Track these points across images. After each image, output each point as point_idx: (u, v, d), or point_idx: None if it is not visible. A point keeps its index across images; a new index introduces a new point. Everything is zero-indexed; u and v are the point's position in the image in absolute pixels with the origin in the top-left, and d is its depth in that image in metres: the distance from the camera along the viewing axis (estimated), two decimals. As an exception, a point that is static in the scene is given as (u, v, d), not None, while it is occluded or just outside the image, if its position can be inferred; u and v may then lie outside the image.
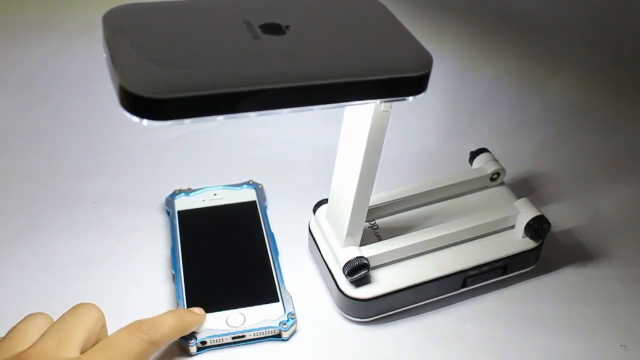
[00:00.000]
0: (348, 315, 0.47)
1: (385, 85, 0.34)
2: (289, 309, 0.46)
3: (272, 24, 0.34)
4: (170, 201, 0.55)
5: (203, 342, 0.45)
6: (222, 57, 0.32)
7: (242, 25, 0.34)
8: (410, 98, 0.35)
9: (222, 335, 0.45)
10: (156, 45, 0.32)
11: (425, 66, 0.34)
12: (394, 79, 0.34)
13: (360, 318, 0.47)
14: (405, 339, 0.47)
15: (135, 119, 0.30)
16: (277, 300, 0.47)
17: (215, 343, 0.45)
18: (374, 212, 0.50)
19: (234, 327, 0.45)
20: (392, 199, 0.51)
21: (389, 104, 0.38)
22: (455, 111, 0.69)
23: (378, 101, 0.37)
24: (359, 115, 0.40)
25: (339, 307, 0.48)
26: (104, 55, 0.32)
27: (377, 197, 0.51)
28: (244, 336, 0.45)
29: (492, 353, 0.46)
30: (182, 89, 0.29)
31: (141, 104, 0.29)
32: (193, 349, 0.44)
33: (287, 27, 0.34)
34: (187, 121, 0.30)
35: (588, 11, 0.70)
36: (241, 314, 0.46)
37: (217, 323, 0.45)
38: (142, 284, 0.50)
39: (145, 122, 0.30)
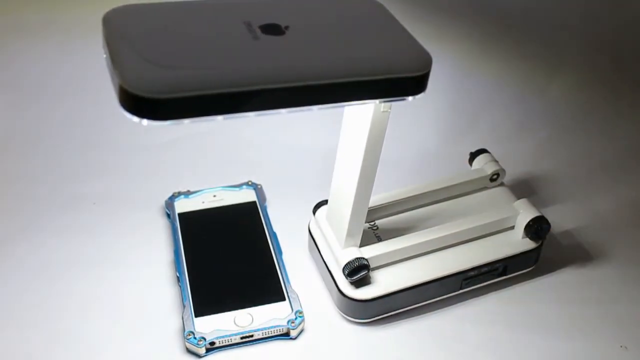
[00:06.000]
0: (348, 316, 0.47)
1: (385, 86, 0.34)
2: (296, 307, 0.46)
3: (271, 25, 0.34)
4: (170, 204, 0.55)
5: (212, 343, 0.45)
6: (221, 58, 0.32)
7: (242, 25, 0.34)
8: (410, 98, 0.35)
9: (231, 335, 0.45)
10: (156, 46, 0.32)
11: (425, 66, 0.34)
12: (393, 79, 0.34)
13: (361, 319, 0.47)
14: (405, 339, 0.47)
15: (135, 119, 0.30)
16: (284, 299, 0.47)
17: (224, 343, 0.45)
18: (373, 213, 0.50)
19: (242, 327, 0.45)
20: (392, 200, 0.51)
21: (388, 104, 0.38)
22: (455, 111, 0.69)
23: (377, 101, 0.37)
24: (358, 116, 0.40)
25: (339, 308, 0.48)
26: (104, 56, 0.33)
27: (377, 198, 0.51)
28: (252, 336, 0.45)
29: (492, 353, 0.46)
30: (182, 89, 0.30)
31: (141, 104, 0.30)
32: (202, 350, 0.44)
33: (287, 27, 0.34)
34: (186, 121, 0.31)
35: (588, 11, 0.70)
36: (249, 313, 0.46)
37: (225, 323, 0.45)
38: (144, 285, 0.50)
39: (145, 122, 0.30)
